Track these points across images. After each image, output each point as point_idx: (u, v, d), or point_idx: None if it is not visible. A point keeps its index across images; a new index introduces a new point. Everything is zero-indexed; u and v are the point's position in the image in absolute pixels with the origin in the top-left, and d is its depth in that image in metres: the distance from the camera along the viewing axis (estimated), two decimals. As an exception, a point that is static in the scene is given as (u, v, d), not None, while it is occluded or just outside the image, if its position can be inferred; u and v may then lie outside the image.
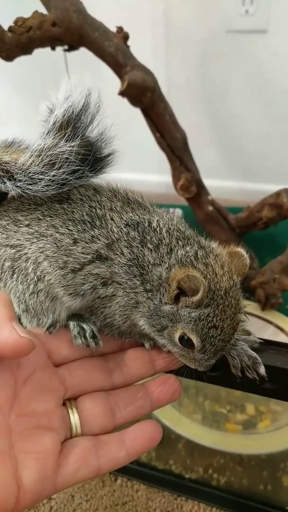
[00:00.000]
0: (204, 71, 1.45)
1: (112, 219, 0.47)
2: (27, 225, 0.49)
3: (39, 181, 0.47)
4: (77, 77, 0.52)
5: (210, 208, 1.13)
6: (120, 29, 0.95)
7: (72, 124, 0.48)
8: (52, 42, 0.92)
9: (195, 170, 1.11)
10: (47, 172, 0.47)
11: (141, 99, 0.97)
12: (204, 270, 0.42)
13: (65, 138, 0.47)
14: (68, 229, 0.47)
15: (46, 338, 0.47)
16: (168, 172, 1.15)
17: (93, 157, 0.48)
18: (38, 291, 0.48)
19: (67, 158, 0.47)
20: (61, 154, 0.47)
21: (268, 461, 0.77)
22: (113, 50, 0.93)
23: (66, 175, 0.47)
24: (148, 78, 0.95)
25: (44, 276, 0.47)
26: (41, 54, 0.96)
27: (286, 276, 0.93)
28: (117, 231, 0.46)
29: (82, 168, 0.47)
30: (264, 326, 0.95)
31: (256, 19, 1.29)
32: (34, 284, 0.48)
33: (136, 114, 1.08)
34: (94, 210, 0.47)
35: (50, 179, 0.46)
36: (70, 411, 0.44)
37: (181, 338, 0.43)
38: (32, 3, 0.92)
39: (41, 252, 0.47)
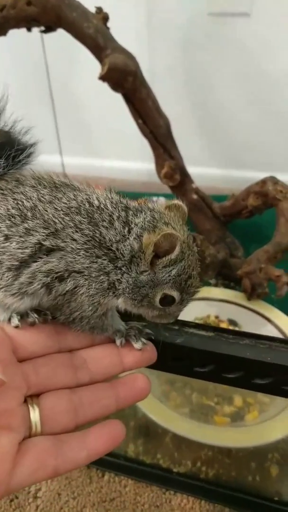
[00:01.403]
0: (187, 56, 1.41)
1: (45, 210, 0.44)
2: None
3: None
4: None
5: (195, 196, 1.11)
6: (99, 9, 0.91)
7: None
8: (27, 22, 0.88)
9: (179, 157, 1.09)
10: None
11: (122, 83, 0.93)
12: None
13: None
14: None
15: (12, 331, 0.44)
16: (150, 159, 1.13)
17: (9, 148, 0.46)
18: None
19: None
20: None
21: (256, 452, 0.77)
22: (92, 31, 0.89)
23: None
24: (129, 61, 0.92)
25: None
26: (17, 36, 0.92)
27: (272, 266, 0.92)
28: (59, 221, 0.43)
29: None
30: (250, 316, 0.94)
31: (239, 2, 1.26)
32: None
33: (116, 100, 1.04)
34: (21, 203, 0.44)
35: None
36: (31, 408, 0.42)
37: (162, 299, 0.44)
38: (6, -19, 0.87)
39: None
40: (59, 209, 0.44)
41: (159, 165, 1.08)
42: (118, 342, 0.46)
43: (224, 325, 0.96)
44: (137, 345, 0.46)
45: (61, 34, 0.94)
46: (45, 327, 0.46)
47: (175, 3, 1.33)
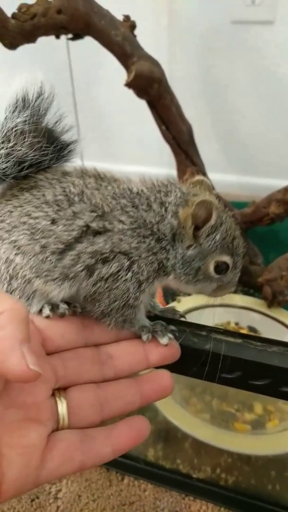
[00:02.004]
0: (207, 63, 1.42)
1: (93, 195, 0.45)
2: (0, 221, 0.47)
3: None
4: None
5: (215, 203, 1.11)
6: (127, 17, 0.93)
7: (21, 106, 0.48)
8: (57, 30, 0.89)
9: (201, 164, 1.09)
10: (2, 147, 0.46)
11: (148, 90, 0.94)
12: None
13: (16, 112, 0.47)
14: (42, 211, 0.45)
15: (41, 324, 0.45)
16: (169, 165, 1.14)
17: (52, 145, 0.48)
18: (12, 290, 0.46)
19: (21, 132, 0.46)
20: (16, 127, 0.46)
21: (276, 461, 0.77)
22: (120, 39, 0.91)
23: (23, 147, 0.46)
24: (155, 69, 0.93)
25: (17, 273, 0.45)
26: (44, 43, 0.93)
27: (294, 273, 0.92)
28: (106, 204, 0.45)
29: (40, 141, 0.47)
30: (270, 324, 0.94)
31: (262, 10, 1.27)
32: (8, 283, 0.46)
33: (136, 106, 1.05)
34: (68, 189, 0.46)
35: (7, 153, 0.46)
36: (58, 401, 0.43)
37: (216, 268, 0.46)
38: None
39: (13, 248, 0.45)
40: (106, 194, 0.46)
41: (181, 171, 1.09)
42: (144, 337, 0.47)
43: (244, 332, 0.96)
44: (164, 340, 0.46)
45: (85, 41, 0.96)
46: (73, 321, 0.46)
47: (198, 11, 1.34)
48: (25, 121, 0.47)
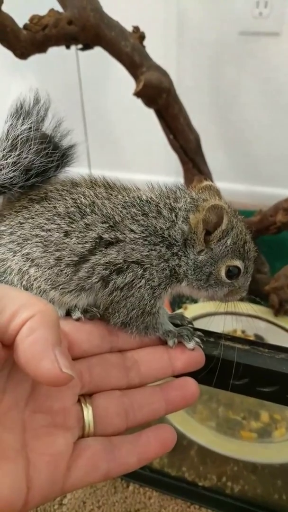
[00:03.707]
0: (215, 73, 1.44)
1: (104, 205, 0.45)
2: (10, 233, 0.47)
3: (2, 168, 0.46)
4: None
5: (222, 211, 1.12)
6: (136, 28, 0.94)
7: (25, 114, 0.48)
8: (67, 40, 0.91)
9: (208, 172, 1.10)
10: (9, 155, 0.46)
11: (156, 100, 0.96)
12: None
13: (20, 120, 0.47)
14: (55, 224, 0.45)
15: (67, 329, 0.44)
16: (175, 173, 1.14)
17: (53, 150, 0.48)
18: None
19: (27, 139, 0.46)
20: (21, 134, 0.46)
21: (282, 470, 0.76)
22: (129, 50, 0.92)
23: (29, 154, 0.46)
24: (164, 79, 0.94)
25: (32, 285, 0.45)
26: (53, 53, 0.95)
27: (301, 282, 0.92)
28: (117, 213, 0.45)
29: (46, 147, 0.47)
30: (277, 332, 0.94)
31: (270, 22, 1.28)
32: None
33: (143, 116, 1.06)
34: (79, 201, 0.46)
35: (14, 162, 0.46)
36: (84, 407, 0.42)
37: (228, 272, 0.45)
38: (48, 1, 0.91)
39: (26, 260, 0.45)
40: (117, 203, 0.46)
41: (188, 179, 1.09)
42: (170, 342, 0.46)
43: (250, 340, 0.96)
44: (190, 344, 0.46)
45: (94, 51, 0.97)
46: (98, 326, 0.46)
47: (206, 22, 1.36)
48: (30, 128, 0.47)
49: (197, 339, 0.47)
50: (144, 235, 0.44)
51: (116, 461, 0.41)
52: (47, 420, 0.40)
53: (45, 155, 0.47)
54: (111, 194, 0.47)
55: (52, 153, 0.48)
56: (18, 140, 0.46)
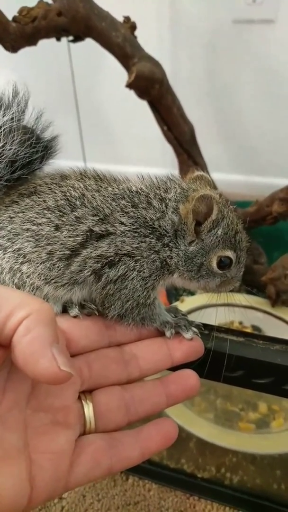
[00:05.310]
0: (210, 62, 1.42)
1: (93, 197, 0.45)
2: (0, 228, 0.46)
3: None
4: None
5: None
6: (127, 18, 0.93)
7: (5, 106, 0.48)
8: (58, 32, 0.89)
9: (203, 164, 1.09)
10: None
11: (149, 91, 0.94)
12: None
13: (1, 111, 0.46)
14: (45, 217, 0.45)
15: (66, 326, 0.44)
16: (171, 165, 1.13)
17: (37, 140, 0.48)
18: None
19: (9, 130, 0.46)
20: (3, 126, 0.46)
21: (281, 460, 0.77)
22: (120, 40, 0.91)
23: (13, 145, 0.46)
24: (156, 69, 0.93)
25: (24, 282, 0.45)
26: (45, 46, 0.94)
27: (298, 272, 0.92)
28: (107, 206, 0.45)
29: (29, 137, 0.46)
30: (274, 323, 0.93)
31: (264, 9, 1.26)
32: None
33: (138, 107, 1.05)
34: (68, 193, 0.46)
35: None
36: (84, 404, 0.42)
37: (219, 263, 0.45)
38: (37, -8, 0.89)
39: (18, 256, 0.45)
40: (106, 195, 0.45)
41: (183, 171, 1.08)
42: (168, 333, 0.46)
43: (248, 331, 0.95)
44: (188, 334, 0.46)
45: (86, 43, 0.96)
46: (96, 321, 0.46)
47: (199, 10, 1.34)
48: (12, 118, 0.46)
49: (195, 329, 0.47)
50: (134, 227, 0.44)
51: (118, 456, 0.41)
52: (48, 418, 0.40)
53: (29, 145, 0.47)
54: (101, 186, 0.47)
55: (36, 143, 0.47)
56: (1, 132, 0.46)
